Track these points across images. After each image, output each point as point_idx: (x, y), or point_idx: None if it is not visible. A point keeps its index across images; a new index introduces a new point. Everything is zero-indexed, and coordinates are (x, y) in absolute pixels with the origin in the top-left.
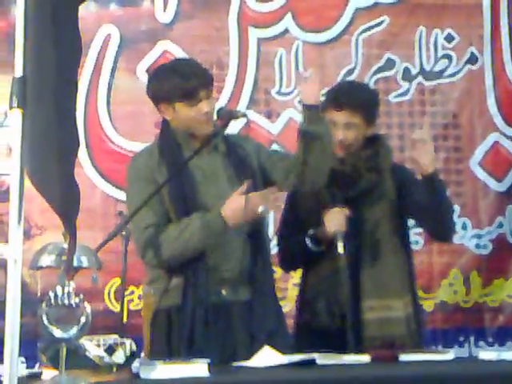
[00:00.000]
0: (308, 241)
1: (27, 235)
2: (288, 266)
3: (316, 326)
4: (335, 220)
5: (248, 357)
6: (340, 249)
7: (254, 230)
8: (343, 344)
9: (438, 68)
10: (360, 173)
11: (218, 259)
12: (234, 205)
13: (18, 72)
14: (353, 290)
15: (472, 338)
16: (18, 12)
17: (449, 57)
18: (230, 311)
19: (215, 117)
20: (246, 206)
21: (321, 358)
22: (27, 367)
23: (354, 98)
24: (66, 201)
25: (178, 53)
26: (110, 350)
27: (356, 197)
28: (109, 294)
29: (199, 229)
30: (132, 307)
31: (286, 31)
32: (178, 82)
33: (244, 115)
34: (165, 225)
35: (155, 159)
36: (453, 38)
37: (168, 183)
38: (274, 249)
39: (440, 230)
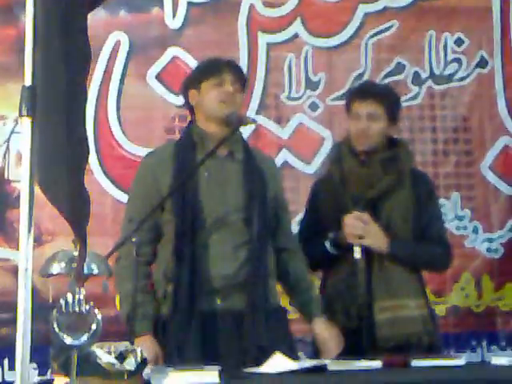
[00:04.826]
0: (327, 244)
1: (38, 242)
2: (309, 267)
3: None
4: (353, 226)
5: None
6: (357, 254)
7: (255, 237)
8: (359, 345)
9: (447, 72)
10: (379, 175)
11: (212, 266)
12: None
13: (28, 80)
14: (366, 292)
15: (484, 343)
16: (28, 20)
17: (459, 60)
18: (224, 320)
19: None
20: None
21: (332, 364)
22: (39, 374)
23: (378, 89)
24: (76, 207)
25: (188, 59)
26: (121, 356)
27: (374, 198)
28: None
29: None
30: None
31: (296, 36)
32: (207, 63)
33: (253, 121)
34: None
35: (166, 156)
36: (462, 42)
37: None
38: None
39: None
